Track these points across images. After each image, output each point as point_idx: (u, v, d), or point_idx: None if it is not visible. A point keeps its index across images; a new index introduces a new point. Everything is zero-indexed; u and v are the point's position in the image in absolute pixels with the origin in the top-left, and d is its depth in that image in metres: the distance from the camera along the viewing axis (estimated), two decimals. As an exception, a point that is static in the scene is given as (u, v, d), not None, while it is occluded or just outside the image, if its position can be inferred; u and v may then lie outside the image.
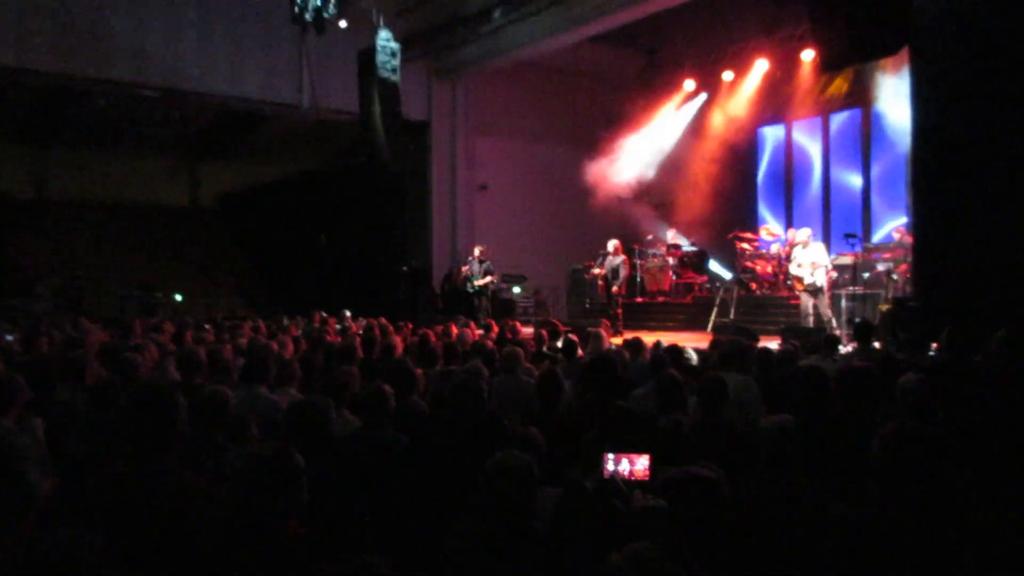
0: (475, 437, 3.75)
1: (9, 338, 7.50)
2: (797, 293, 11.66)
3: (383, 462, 3.77)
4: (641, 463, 2.70)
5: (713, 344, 7.45)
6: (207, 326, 10.08)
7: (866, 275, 12.21)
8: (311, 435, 3.51)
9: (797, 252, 11.47)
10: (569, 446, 3.55)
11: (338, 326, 10.61)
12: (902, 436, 2.60)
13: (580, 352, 7.21)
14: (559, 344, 7.77)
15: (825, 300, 11.08)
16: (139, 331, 8.81)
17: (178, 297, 19.25)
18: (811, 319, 11.05)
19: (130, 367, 5.18)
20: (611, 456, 2.71)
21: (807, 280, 11.09)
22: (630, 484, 2.67)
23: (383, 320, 10.15)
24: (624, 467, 2.69)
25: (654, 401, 4.53)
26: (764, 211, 17.08)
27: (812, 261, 11.13)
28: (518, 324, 10.01)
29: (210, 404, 3.76)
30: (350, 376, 5.02)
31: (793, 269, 11.46)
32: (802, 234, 11.84)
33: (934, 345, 6.65)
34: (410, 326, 10.09)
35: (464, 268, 14.83)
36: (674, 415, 4.20)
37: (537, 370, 6.33)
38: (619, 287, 13.23)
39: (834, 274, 12.00)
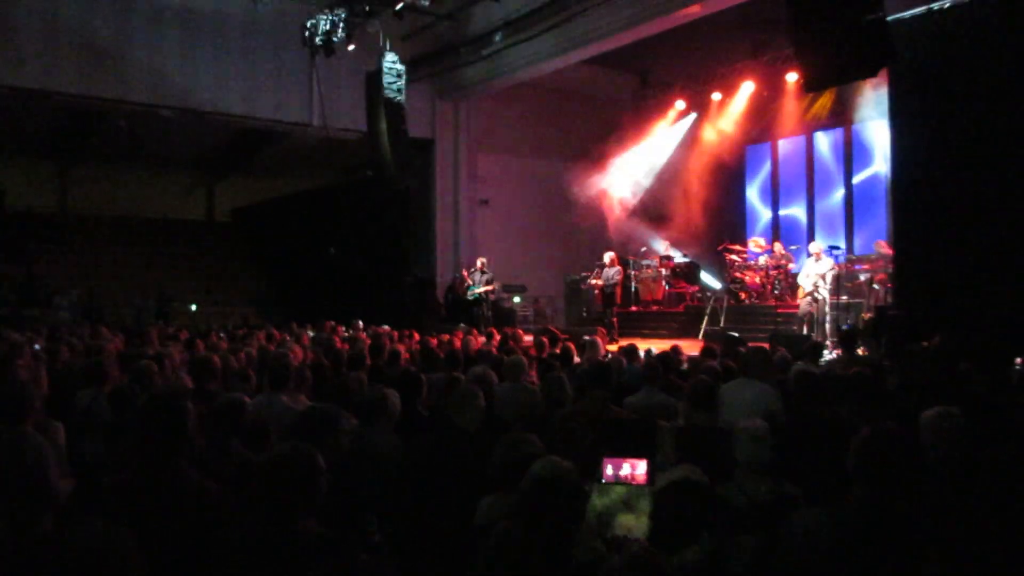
0: (474, 442, 3.81)
1: (37, 347, 7.55)
2: (798, 300, 11.98)
3: (380, 463, 3.80)
4: (640, 468, 2.66)
5: (705, 351, 7.54)
6: (221, 334, 10.27)
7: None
8: (323, 439, 3.49)
9: (809, 263, 11.76)
10: (567, 450, 3.62)
11: (346, 334, 10.75)
12: (877, 439, 2.63)
13: (577, 359, 7.31)
14: (557, 351, 7.83)
15: (825, 310, 11.39)
16: (155, 339, 8.83)
17: (193, 307, 19.60)
18: (804, 325, 11.41)
19: (146, 374, 5.19)
20: (610, 461, 2.68)
21: (808, 288, 11.49)
22: (630, 487, 2.64)
23: (388, 328, 10.41)
24: (624, 471, 2.66)
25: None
26: (752, 224, 17.45)
27: (819, 273, 11.58)
28: (520, 332, 10.21)
29: (225, 410, 3.81)
30: (359, 382, 5.10)
31: (800, 279, 11.83)
32: (814, 247, 12.07)
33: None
34: (416, 335, 10.24)
35: (465, 274, 15.24)
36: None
37: (538, 376, 6.43)
38: (614, 296, 13.70)
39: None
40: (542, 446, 3.46)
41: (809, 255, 12.35)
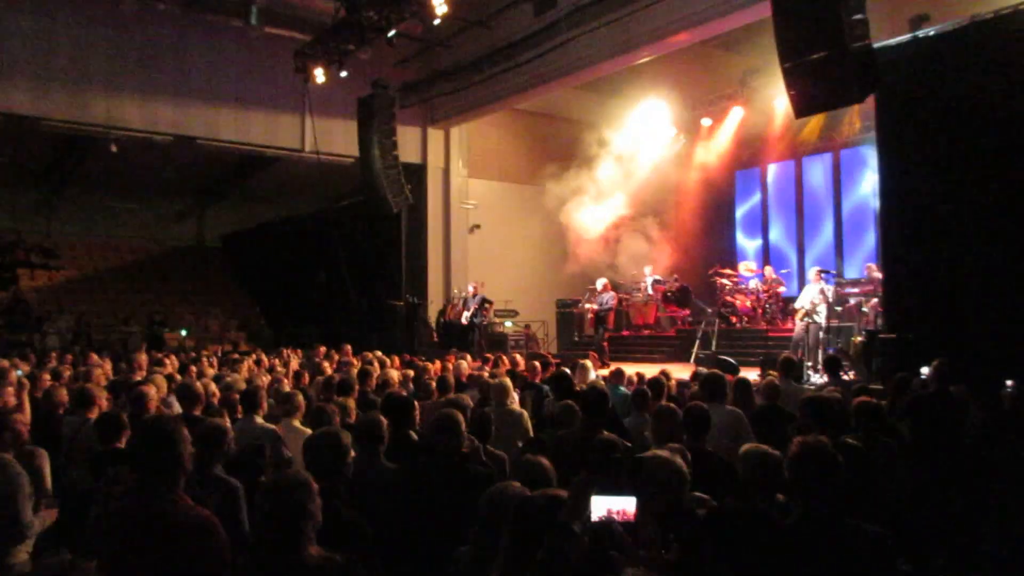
0: (459, 469, 3.80)
1: (20, 372, 7.49)
2: (796, 323, 11.89)
3: (375, 491, 3.81)
4: (628, 505, 2.61)
5: (695, 376, 7.62)
6: (211, 360, 10.23)
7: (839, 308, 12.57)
8: (328, 465, 3.44)
9: (812, 287, 11.68)
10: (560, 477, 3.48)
11: (338, 359, 10.78)
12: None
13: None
14: (548, 375, 7.62)
15: (819, 335, 11.30)
16: (143, 365, 8.77)
17: (183, 332, 19.59)
18: (800, 349, 11.29)
19: (140, 400, 5.13)
20: (598, 499, 2.60)
21: (807, 308, 11.42)
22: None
23: (379, 354, 10.29)
24: (613, 508, 2.60)
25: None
26: (742, 248, 17.54)
27: (812, 298, 11.55)
28: (517, 356, 10.15)
29: (209, 436, 3.79)
30: (347, 408, 5.10)
31: (799, 301, 11.79)
32: (813, 272, 12.11)
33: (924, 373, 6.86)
34: (418, 361, 10.21)
35: (458, 304, 15.25)
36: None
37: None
38: (607, 320, 13.68)
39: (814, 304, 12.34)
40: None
41: (808, 280, 12.38)
